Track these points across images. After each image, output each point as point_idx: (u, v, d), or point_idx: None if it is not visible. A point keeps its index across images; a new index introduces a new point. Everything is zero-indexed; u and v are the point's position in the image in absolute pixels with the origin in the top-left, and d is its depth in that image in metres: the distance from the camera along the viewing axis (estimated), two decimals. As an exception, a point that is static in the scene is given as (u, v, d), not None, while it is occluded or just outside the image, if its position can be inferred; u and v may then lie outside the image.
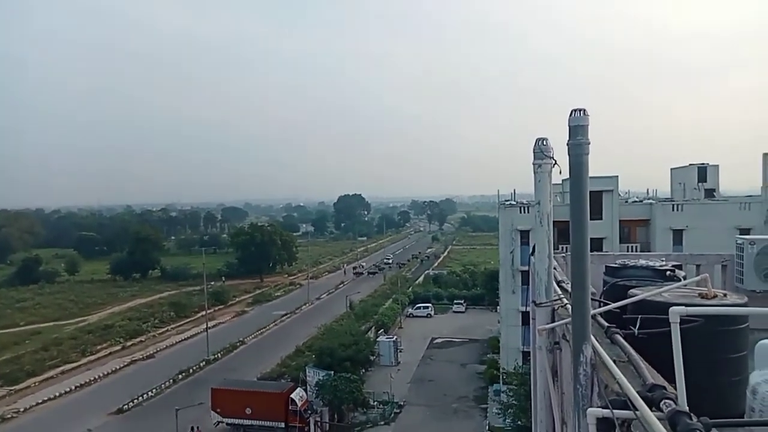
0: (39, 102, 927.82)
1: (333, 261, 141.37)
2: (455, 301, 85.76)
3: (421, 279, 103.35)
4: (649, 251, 35.47)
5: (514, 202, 46.27)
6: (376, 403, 47.75)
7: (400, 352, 60.89)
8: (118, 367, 61.18)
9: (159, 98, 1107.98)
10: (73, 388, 54.78)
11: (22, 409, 49.77)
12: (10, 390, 54.47)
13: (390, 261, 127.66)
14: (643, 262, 8.19)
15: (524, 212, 42.37)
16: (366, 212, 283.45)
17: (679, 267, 8.26)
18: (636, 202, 48.16)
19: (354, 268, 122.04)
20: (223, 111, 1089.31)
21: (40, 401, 51.46)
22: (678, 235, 40.55)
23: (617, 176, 43.01)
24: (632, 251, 36.16)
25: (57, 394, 53.27)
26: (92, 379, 57.30)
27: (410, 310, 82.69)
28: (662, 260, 8.62)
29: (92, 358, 65.01)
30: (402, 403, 48.32)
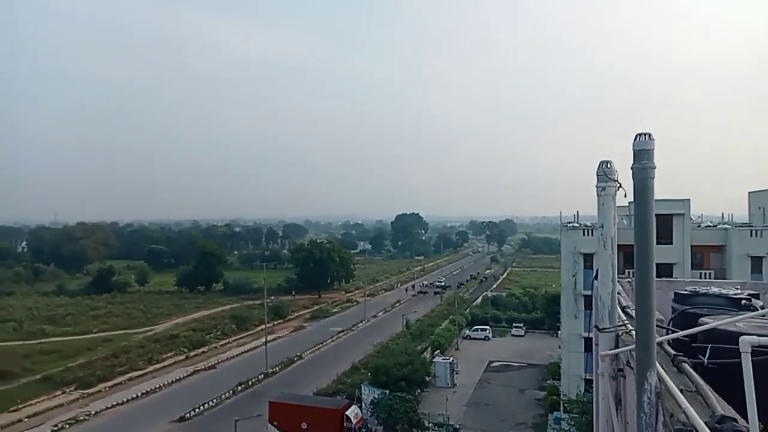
0: (119, 122, 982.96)
1: (389, 279, 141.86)
2: (514, 324, 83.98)
3: (479, 300, 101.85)
4: (723, 278, 33.82)
5: (577, 224, 45.00)
6: (431, 424, 47.16)
7: (456, 374, 60.01)
8: (181, 377, 63.02)
9: (227, 117, 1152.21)
10: (139, 394, 56.81)
11: (93, 413, 51.95)
12: (83, 393, 57.07)
13: (443, 283, 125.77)
14: (715, 289, 7.87)
15: (587, 235, 41.29)
16: (423, 231, 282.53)
17: (756, 296, 7.89)
18: (710, 226, 45.99)
19: (412, 286, 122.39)
20: (284, 129, 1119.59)
21: (109, 405, 53.59)
22: (757, 262, 38.46)
23: (689, 199, 41.30)
24: (705, 278, 34.45)
25: (125, 399, 55.36)
26: (157, 386, 59.24)
27: (467, 331, 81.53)
28: (737, 288, 8.25)
29: (158, 366, 67.26)
30: (457, 427, 47.51)
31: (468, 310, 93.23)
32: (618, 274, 6.71)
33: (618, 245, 6.44)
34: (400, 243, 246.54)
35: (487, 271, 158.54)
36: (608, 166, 6.23)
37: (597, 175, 6.36)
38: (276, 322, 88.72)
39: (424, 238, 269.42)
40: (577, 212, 51.93)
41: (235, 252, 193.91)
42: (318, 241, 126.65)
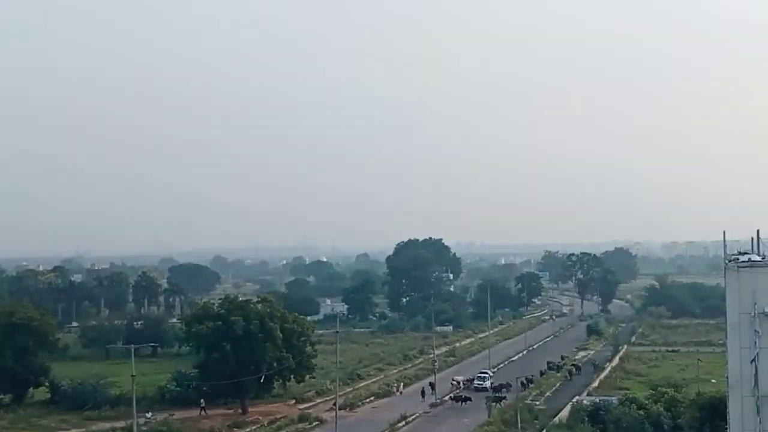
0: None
1: (385, 372, 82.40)
2: None
3: (564, 413, 56.43)
4: None
5: (758, 257, 27.77)
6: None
7: None
8: None
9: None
10: None
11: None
12: None
13: (486, 378, 71.81)
14: None
15: None
16: (450, 275, 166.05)
17: None
18: None
19: (431, 387, 68.40)
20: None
21: None
22: None
23: None
24: None
25: None
26: None
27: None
28: None
29: None
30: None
31: None
32: None
33: None
34: (405, 299, 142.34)
35: (581, 354, 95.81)
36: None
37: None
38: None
39: (452, 287, 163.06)
40: (758, 232, 29.14)
41: (74, 324, 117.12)
42: (240, 298, 73.29)
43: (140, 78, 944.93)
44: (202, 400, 61.56)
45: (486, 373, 73.74)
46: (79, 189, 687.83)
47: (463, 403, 63.17)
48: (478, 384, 70.31)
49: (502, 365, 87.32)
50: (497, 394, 63.75)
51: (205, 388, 62.61)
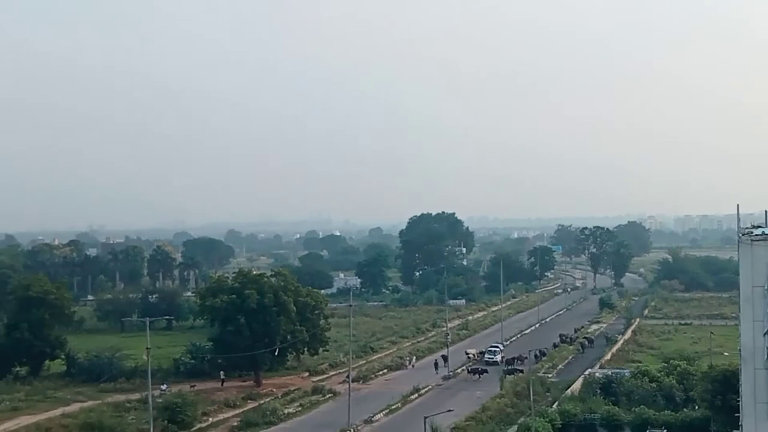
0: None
1: (398, 345, 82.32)
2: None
3: (577, 385, 56.59)
4: None
5: None
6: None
7: None
8: None
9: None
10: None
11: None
12: None
13: (497, 352, 71.18)
14: None
15: None
16: (464, 249, 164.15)
17: None
18: None
19: (443, 359, 68.12)
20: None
21: None
22: None
23: None
24: None
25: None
26: None
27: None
28: None
29: None
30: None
31: (556, 405, 51.09)
32: None
33: None
34: (417, 272, 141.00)
35: (594, 327, 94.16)
36: None
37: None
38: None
39: (465, 261, 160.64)
40: None
41: (89, 297, 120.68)
42: (254, 272, 73.52)
43: (157, 48, 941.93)
44: (221, 372, 62.50)
45: (497, 346, 73.72)
46: (94, 164, 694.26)
47: (479, 376, 63.37)
48: (489, 358, 70.32)
49: (514, 338, 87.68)
50: (511, 367, 63.70)
51: (219, 361, 63.31)
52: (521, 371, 61.88)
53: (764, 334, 28.13)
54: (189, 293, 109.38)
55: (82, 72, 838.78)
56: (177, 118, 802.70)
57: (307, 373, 66.63)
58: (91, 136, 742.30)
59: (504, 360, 68.32)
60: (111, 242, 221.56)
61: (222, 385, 61.43)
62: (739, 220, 30.81)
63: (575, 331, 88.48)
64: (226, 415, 54.00)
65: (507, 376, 60.13)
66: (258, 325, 61.76)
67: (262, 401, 56.75)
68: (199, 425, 51.17)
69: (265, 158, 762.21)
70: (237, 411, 54.80)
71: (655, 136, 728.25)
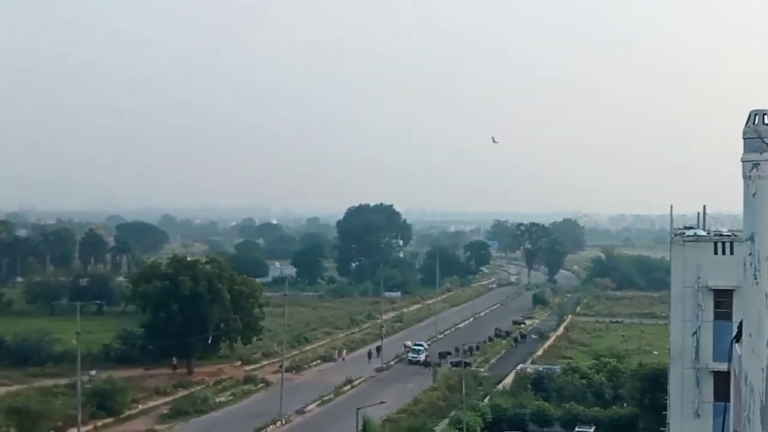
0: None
1: (332, 336, 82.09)
2: (578, 428, 46.87)
3: (509, 380, 58.49)
4: None
5: (703, 231, 29.20)
6: None
7: None
8: None
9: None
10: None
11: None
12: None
13: (421, 351, 69.56)
14: None
15: (722, 252, 26.21)
16: (400, 241, 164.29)
17: None
18: None
19: (377, 350, 68.95)
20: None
21: None
22: None
23: None
24: None
25: None
26: None
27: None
28: None
29: None
30: None
31: (487, 399, 52.23)
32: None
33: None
34: (354, 263, 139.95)
35: (527, 322, 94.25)
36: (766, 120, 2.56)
37: (743, 141, 5.41)
38: (101, 422, 48.32)
39: (402, 253, 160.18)
40: (704, 208, 31.97)
41: (18, 279, 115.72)
42: (188, 258, 71.89)
43: (93, 26, 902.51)
44: (174, 358, 61.67)
45: (421, 345, 72.00)
46: (25, 141, 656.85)
47: (428, 368, 63.19)
48: (413, 357, 68.46)
49: (448, 332, 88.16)
50: (459, 359, 63.31)
51: (150, 347, 62.17)
52: (469, 364, 61.32)
53: (693, 334, 28.42)
54: (121, 278, 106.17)
55: (12, 54, 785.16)
56: (112, 99, 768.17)
57: (239, 362, 65.95)
58: (22, 115, 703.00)
59: (426, 361, 66.99)
60: (42, 224, 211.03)
61: (174, 371, 60.73)
62: (672, 220, 31.29)
63: (515, 323, 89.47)
64: (155, 403, 53.07)
65: (427, 368, 61.56)
66: (191, 312, 60.78)
67: (193, 389, 55.97)
68: (128, 412, 50.42)
69: (202, 144, 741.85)
70: (167, 399, 53.90)
71: (590, 136, 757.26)
